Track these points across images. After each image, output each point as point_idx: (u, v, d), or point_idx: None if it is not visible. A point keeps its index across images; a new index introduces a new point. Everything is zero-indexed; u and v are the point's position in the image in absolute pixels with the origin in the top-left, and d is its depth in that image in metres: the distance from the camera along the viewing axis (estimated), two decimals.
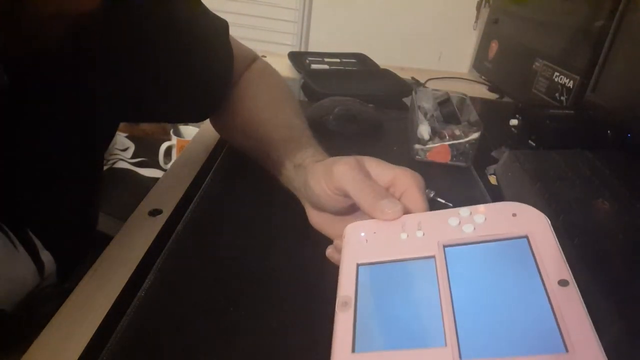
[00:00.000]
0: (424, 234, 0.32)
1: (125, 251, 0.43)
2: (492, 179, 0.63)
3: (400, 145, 0.69)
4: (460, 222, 0.32)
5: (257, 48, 0.65)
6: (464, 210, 0.33)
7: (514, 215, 0.31)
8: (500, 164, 0.63)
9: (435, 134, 0.64)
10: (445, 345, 0.25)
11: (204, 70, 0.52)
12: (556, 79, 0.84)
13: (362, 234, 0.35)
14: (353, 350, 0.27)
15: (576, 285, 0.26)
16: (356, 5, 1.51)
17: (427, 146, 0.64)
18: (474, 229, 0.31)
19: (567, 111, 0.78)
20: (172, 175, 0.58)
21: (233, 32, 0.56)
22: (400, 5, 1.48)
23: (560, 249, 0.28)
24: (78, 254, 0.49)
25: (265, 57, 0.71)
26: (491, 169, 0.65)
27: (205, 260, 0.42)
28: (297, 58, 1.10)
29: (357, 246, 0.34)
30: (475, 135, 0.63)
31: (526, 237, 0.29)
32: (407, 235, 0.33)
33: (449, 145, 0.64)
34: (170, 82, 0.48)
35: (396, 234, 0.33)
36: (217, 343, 0.34)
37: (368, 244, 0.34)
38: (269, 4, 1.51)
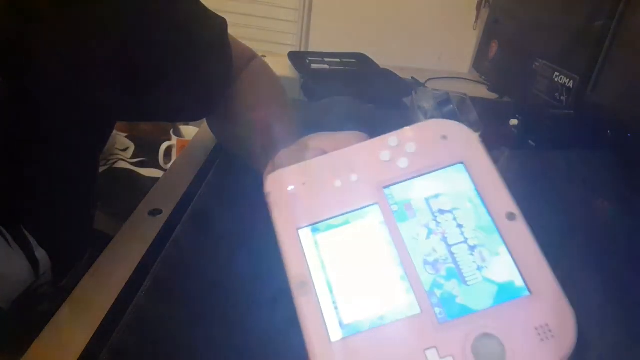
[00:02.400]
0: (358, 178, 0.29)
1: (125, 251, 0.43)
2: None
3: None
4: (392, 156, 0.29)
5: (257, 48, 0.65)
6: (392, 140, 0.30)
7: (445, 137, 0.29)
8: (500, 164, 0.63)
9: None
10: (421, 311, 0.24)
11: (202, 69, 0.52)
12: (556, 79, 0.84)
13: (290, 188, 0.30)
14: (329, 339, 0.24)
15: (524, 218, 0.25)
16: (356, 5, 1.51)
17: None
18: (409, 163, 0.28)
19: (567, 111, 0.78)
20: (172, 175, 0.58)
21: (233, 32, 0.56)
22: (400, 6, 1.49)
23: (499, 174, 0.27)
24: (74, 252, 0.49)
25: (265, 57, 0.71)
26: None
27: (205, 260, 0.43)
28: (297, 58, 1.10)
29: (289, 205, 0.30)
30: (475, 134, 0.63)
31: (462, 162, 0.28)
32: (342, 182, 0.29)
33: None
34: (168, 81, 0.48)
35: (329, 182, 0.29)
36: (218, 343, 0.34)
37: (300, 200, 0.30)
38: (269, 4, 1.51)
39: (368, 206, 0.28)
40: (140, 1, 0.43)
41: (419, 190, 0.28)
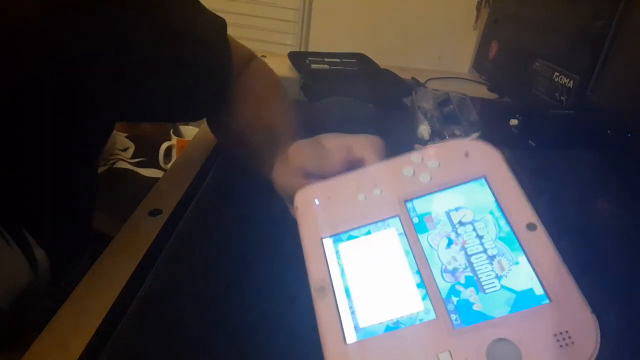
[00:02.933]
0: (381, 192, 0.30)
1: (125, 251, 0.43)
2: None
3: (400, 146, 0.69)
4: (415, 172, 0.30)
5: (257, 48, 0.65)
6: (416, 157, 0.31)
7: (467, 154, 0.30)
8: None
9: (435, 134, 0.64)
10: (436, 317, 0.24)
11: (201, 69, 0.52)
12: (556, 79, 0.84)
13: (316, 202, 0.32)
14: (345, 342, 0.25)
15: (544, 228, 0.25)
16: (356, 5, 1.51)
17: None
18: (431, 177, 0.29)
19: (567, 111, 0.78)
20: (172, 175, 0.58)
21: (233, 32, 0.56)
22: (400, 6, 1.48)
23: (521, 188, 0.27)
24: (72, 252, 0.49)
25: (265, 57, 0.71)
26: None
27: (205, 260, 0.43)
28: (297, 58, 1.10)
29: (315, 217, 0.31)
30: (475, 135, 0.63)
31: (484, 177, 0.28)
32: (365, 196, 0.31)
33: None
34: (167, 81, 0.48)
35: (353, 196, 0.31)
36: (218, 343, 0.34)
37: (325, 212, 0.31)
38: (269, 4, 1.51)
39: (389, 218, 0.29)
40: (138, 1, 0.43)
41: (439, 203, 0.29)
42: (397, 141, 0.70)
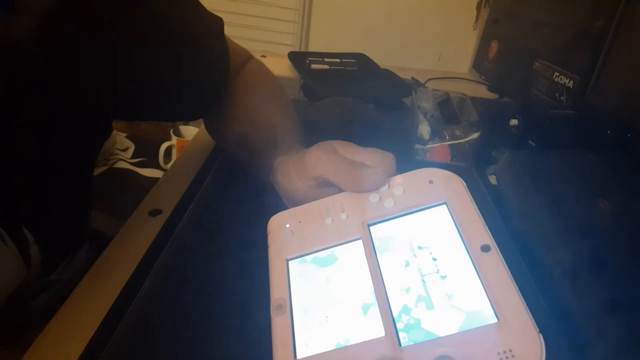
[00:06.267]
0: (347, 216, 0.32)
1: (125, 251, 0.43)
2: (492, 179, 0.63)
3: (400, 146, 0.69)
4: (380, 198, 0.31)
5: (257, 48, 0.65)
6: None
7: (431, 182, 0.31)
8: (500, 164, 0.63)
9: (435, 134, 0.64)
10: (385, 334, 0.25)
11: (197, 67, 0.52)
12: (556, 79, 0.84)
13: (287, 226, 0.33)
14: (295, 357, 0.26)
15: (498, 250, 0.26)
16: (356, 6, 1.51)
17: (427, 146, 0.64)
18: (395, 203, 0.31)
19: (567, 111, 0.78)
20: (172, 175, 0.58)
21: (233, 32, 0.56)
22: (400, 6, 1.49)
23: (479, 212, 0.28)
24: (66, 247, 0.49)
25: (265, 57, 0.71)
26: (491, 169, 0.65)
27: (205, 260, 0.43)
28: (297, 58, 1.10)
29: (284, 240, 0.33)
30: (475, 135, 0.63)
31: (445, 203, 0.29)
32: (332, 220, 0.32)
33: (449, 145, 0.64)
34: (164, 80, 0.48)
35: (321, 220, 0.32)
36: (218, 343, 0.34)
37: (294, 235, 0.32)
38: (269, 4, 1.51)
39: (352, 240, 0.30)
40: (136, 0, 0.43)
41: (400, 226, 0.30)
42: (398, 141, 0.70)
